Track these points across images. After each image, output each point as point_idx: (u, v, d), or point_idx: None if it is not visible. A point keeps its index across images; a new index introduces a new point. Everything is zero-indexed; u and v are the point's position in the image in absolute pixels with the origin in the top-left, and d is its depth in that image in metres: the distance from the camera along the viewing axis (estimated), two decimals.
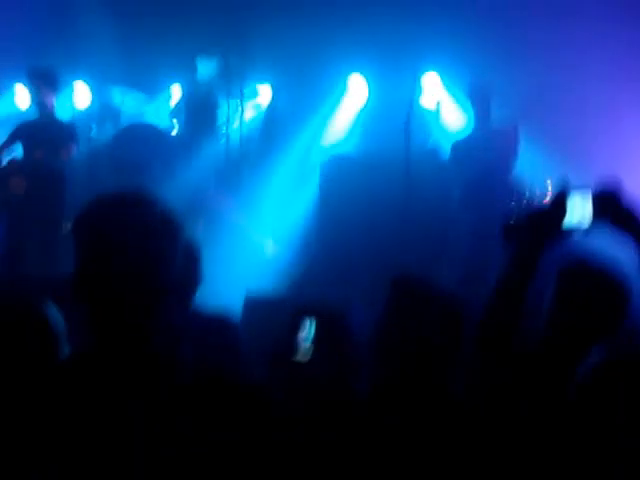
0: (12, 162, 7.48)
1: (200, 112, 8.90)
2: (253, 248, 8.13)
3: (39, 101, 7.55)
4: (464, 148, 7.78)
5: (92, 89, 9.20)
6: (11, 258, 7.47)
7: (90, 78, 9.16)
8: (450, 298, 2.65)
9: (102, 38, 9.09)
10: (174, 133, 9.03)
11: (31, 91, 7.59)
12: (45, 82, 7.50)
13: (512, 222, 2.63)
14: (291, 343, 3.84)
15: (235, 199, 8.70)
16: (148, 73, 9.51)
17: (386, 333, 2.59)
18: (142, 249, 1.91)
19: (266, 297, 6.61)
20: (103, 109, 9.18)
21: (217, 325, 4.07)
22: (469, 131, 7.98)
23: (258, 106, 9.38)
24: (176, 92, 9.50)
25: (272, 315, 5.90)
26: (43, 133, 7.39)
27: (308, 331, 3.81)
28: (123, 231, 1.91)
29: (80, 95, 9.16)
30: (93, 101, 9.24)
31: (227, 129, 8.92)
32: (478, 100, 7.70)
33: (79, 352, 1.98)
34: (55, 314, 3.55)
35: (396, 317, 2.57)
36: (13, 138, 7.53)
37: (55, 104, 7.73)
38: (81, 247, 1.94)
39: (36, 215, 7.42)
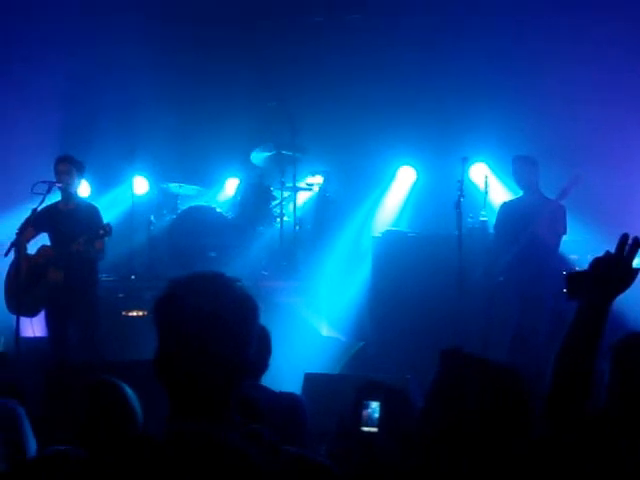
0: (44, 250, 7.49)
1: (255, 200, 9.16)
2: (308, 329, 8.24)
3: (66, 187, 7.41)
4: (512, 206, 7.89)
5: (150, 182, 9.54)
6: (54, 346, 7.54)
7: (149, 171, 9.50)
8: (504, 369, 2.50)
9: (161, 134, 9.47)
10: (230, 218, 9.27)
11: (58, 177, 7.34)
12: (71, 167, 7.40)
13: (577, 271, 2.62)
14: (357, 418, 3.94)
15: (290, 282, 8.87)
16: (203, 165, 9.91)
17: (433, 407, 2.45)
18: (222, 329, 1.95)
19: (324, 375, 6.70)
20: (162, 196, 9.48)
21: (287, 402, 4.21)
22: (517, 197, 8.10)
23: (310, 191, 9.67)
24: (231, 184, 9.84)
25: (330, 391, 6.02)
26: (77, 221, 7.39)
27: (373, 407, 3.92)
28: (203, 312, 1.94)
29: (139, 186, 9.50)
30: (151, 191, 9.57)
31: (282, 213, 9.19)
32: (524, 171, 7.80)
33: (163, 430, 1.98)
34: (132, 395, 3.69)
35: (444, 391, 2.44)
36: (35, 224, 7.37)
37: (78, 190, 7.73)
38: (161, 329, 1.98)
39: (74, 303, 7.47)
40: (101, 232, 7.18)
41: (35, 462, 3.42)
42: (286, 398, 4.33)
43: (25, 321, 7.39)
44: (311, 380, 6.35)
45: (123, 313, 8.61)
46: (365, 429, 3.94)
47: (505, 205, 8.03)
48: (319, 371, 7.08)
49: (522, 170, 7.80)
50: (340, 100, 9.89)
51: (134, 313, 8.62)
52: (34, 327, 8.00)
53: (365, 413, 3.97)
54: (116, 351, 8.03)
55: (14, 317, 7.13)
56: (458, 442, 2.32)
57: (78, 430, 3.58)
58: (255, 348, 2.02)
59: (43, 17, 9.25)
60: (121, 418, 3.56)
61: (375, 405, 3.96)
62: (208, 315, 1.92)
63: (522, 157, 7.88)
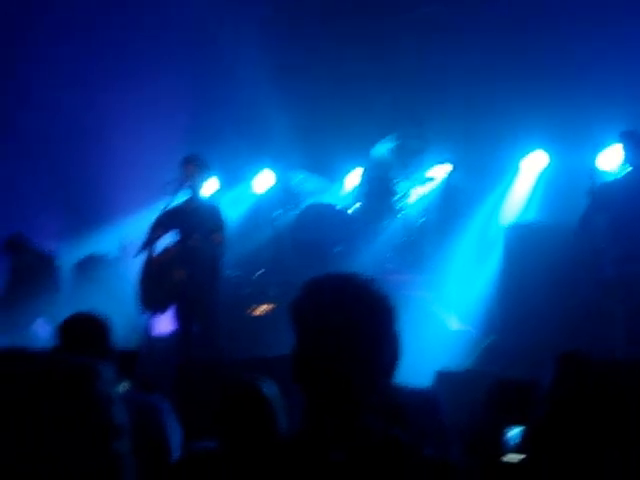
0: (168, 249, 7.56)
1: (379, 193, 9.03)
2: (437, 323, 8.05)
3: (192, 186, 7.47)
4: (612, 185, 7.46)
5: (276, 175, 9.53)
6: (182, 343, 7.60)
7: (274, 165, 9.49)
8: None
9: (285, 128, 9.45)
10: (353, 212, 9.18)
11: (184, 176, 7.43)
12: (196, 166, 7.45)
13: None
14: (488, 428, 3.75)
15: (416, 275, 8.70)
16: (327, 158, 9.83)
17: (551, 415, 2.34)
18: (360, 330, 1.92)
19: (455, 371, 6.52)
20: (285, 193, 9.47)
21: (423, 399, 4.05)
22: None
23: (435, 183, 9.45)
24: (355, 175, 9.74)
25: (462, 388, 5.84)
26: (194, 218, 7.41)
27: (513, 435, 3.71)
28: (342, 312, 1.92)
29: (264, 181, 9.50)
30: (275, 186, 9.55)
31: (405, 206, 9.03)
32: (630, 143, 7.39)
33: (298, 429, 1.97)
34: (275, 392, 3.63)
35: (562, 398, 2.35)
36: (162, 224, 7.52)
37: (203, 189, 7.73)
38: (298, 330, 1.96)
39: (197, 300, 7.50)
40: (210, 225, 7.16)
41: (185, 460, 3.46)
42: (421, 395, 4.17)
43: (156, 319, 7.52)
44: (442, 377, 6.17)
45: (249, 309, 8.64)
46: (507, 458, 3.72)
47: (607, 184, 7.57)
48: (449, 365, 6.91)
49: (629, 145, 7.38)
50: (465, 87, 9.62)
51: (260, 309, 8.64)
52: (165, 324, 8.14)
53: (504, 441, 3.76)
54: (242, 347, 8.08)
55: (144, 314, 7.27)
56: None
57: (214, 426, 3.53)
58: (393, 348, 1.98)
59: (168, 20, 9.36)
60: (261, 417, 3.50)
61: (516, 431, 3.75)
62: (345, 315, 1.91)
63: (628, 132, 7.46)
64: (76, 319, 3.96)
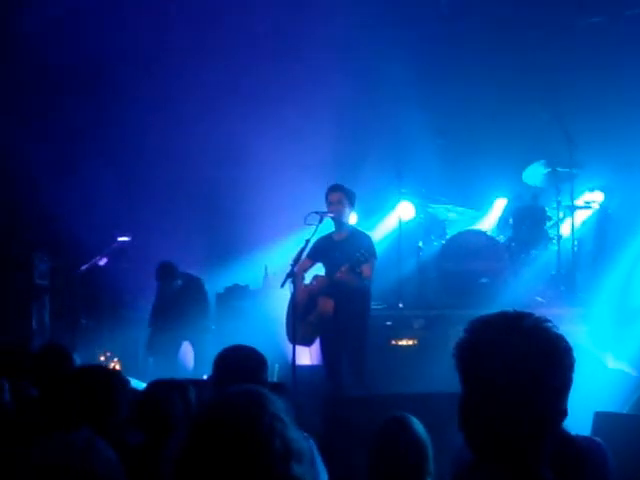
0: (316, 280, 7.49)
1: (528, 222, 8.72)
2: (592, 361, 7.63)
3: (338, 215, 7.36)
4: None
5: (417, 205, 9.35)
6: (329, 376, 7.49)
7: (416, 195, 9.31)
8: None
9: (428, 157, 9.27)
10: (502, 242, 8.88)
11: (330, 205, 7.31)
12: (343, 196, 7.34)
13: None
14: None
15: (569, 308, 8.30)
16: (472, 187, 9.58)
17: None
18: (531, 375, 1.81)
19: (616, 414, 6.12)
20: (429, 222, 9.27)
21: (588, 448, 3.78)
22: None
23: (589, 209, 9.03)
24: (503, 202, 9.44)
25: (623, 433, 5.46)
26: (344, 248, 7.28)
27: None
28: (511, 357, 1.81)
29: (406, 212, 9.34)
30: (418, 216, 9.37)
31: (558, 235, 8.66)
32: None
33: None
34: (425, 433, 3.50)
35: None
36: (310, 254, 7.47)
37: (349, 218, 7.63)
38: (464, 374, 1.87)
39: (344, 333, 7.36)
40: (358, 256, 7.02)
41: None
42: (589, 443, 3.89)
43: (301, 350, 7.45)
44: (602, 419, 5.78)
45: (392, 342, 8.46)
46: None
47: None
48: (606, 407, 6.52)
49: None
50: (619, 106, 9.16)
51: (403, 342, 8.45)
52: (311, 356, 8.07)
53: None
54: (384, 381, 7.91)
55: (289, 346, 7.20)
56: None
57: (369, 465, 3.48)
58: (566, 393, 1.83)
59: (309, 47, 9.38)
60: (415, 458, 3.42)
61: None
62: (516, 360, 1.81)
63: None
64: (234, 352, 3.95)
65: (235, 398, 1.93)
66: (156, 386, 4.54)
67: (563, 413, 1.85)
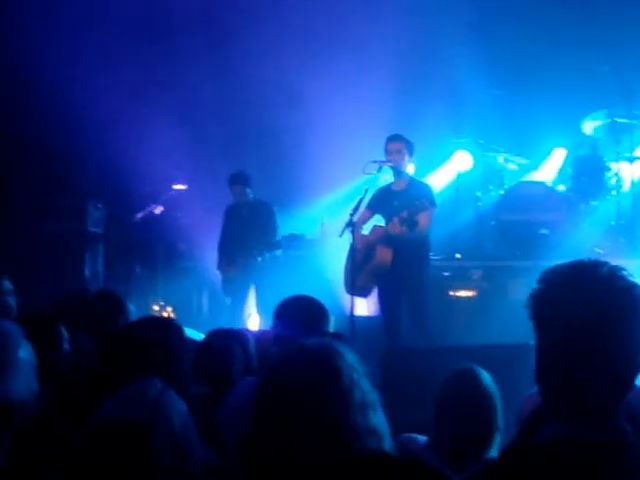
0: (375, 229, 7.42)
1: (589, 172, 8.55)
2: None
3: (397, 165, 7.30)
4: None
5: (475, 155, 9.20)
6: (387, 328, 7.43)
7: (473, 145, 9.16)
8: None
9: (486, 106, 9.10)
10: (561, 192, 8.73)
11: (389, 155, 7.23)
12: (402, 145, 7.27)
13: None
14: None
15: (629, 260, 8.14)
16: (531, 137, 9.39)
17: None
18: (611, 325, 1.77)
19: None
20: (487, 173, 9.13)
21: None
22: None
23: None
24: (559, 154, 9.26)
25: None
26: (404, 199, 7.19)
27: None
28: (593, 305, 1.77)
29: (463, 161, 9.20)
30: (476, 166, 9.22)
31: (617, 186, 8.48)
32: None
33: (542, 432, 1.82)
34: (494, 385, 3.44)
35: None
36: (369, 204, 7.44)
37: (408, 168, 7.57)
38: (543, 325, 1.83)
39: (402, 283, 7.30)
40: (416, 203, 6.92)
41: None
42: None
43: (358, 301, 7.40)
44: None
45: (450, 293, 8.39)
46: None
47: None
48: None
49: None
50: None
51: (461, 293, 8.38)
52: (370, 306, 8.04)
53: None
54: (442, 332, 7.86)
55: (346, 296, 7.17)
56: None
57: (435, 418, 3.41)
58: None
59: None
60: (483, 411, 3.33)
61: None
62: (595, 311, 1.77)
63: None
64: (294, 302, 3.91)
65: (312, 350, 1.93)
66: (216, 336, 4.51)
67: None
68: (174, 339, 3.20)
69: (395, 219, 7.04)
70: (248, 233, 8.36)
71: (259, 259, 8.26)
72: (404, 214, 7.00)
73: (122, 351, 3.17)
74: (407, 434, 3.55)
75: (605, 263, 1.83)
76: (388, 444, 1.96)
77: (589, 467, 1.74)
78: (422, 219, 7.08)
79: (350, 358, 1.92)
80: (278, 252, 8.43)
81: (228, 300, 8.62)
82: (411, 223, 7.03)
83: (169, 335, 3.20)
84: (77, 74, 9.00)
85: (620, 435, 1.77)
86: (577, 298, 1.78)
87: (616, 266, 1.83)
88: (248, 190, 8.44)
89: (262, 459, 1.85)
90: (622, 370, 1.79)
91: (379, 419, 1.93)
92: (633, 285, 1.80)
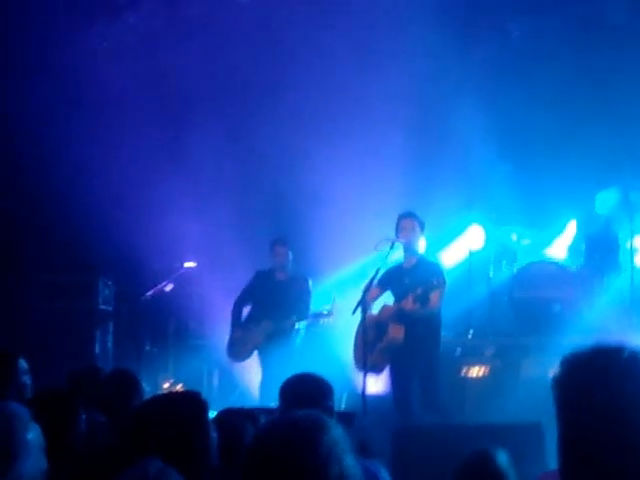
0: (385, 307, 7.41)
1: (601, 246, 8.52)
2: None
3: (408, 242, 7.30)
4: None
5: (487, 230, 9.18)
6: (398, 405, 7.36)
7: (486, 220, 9.16)
8: None
9: (499, 181, 9.12)
10: (575, 269, 8.67)
11: (400, 232, 7.26)
12: (413, 223, 7.31)
13: None
14: None
15: None
16: (543, 211, 9.38)
17: None
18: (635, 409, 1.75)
19: None
20: (499, 250, 9.09)
21: None
22: None
23: None
24: (572, 228, 9.23)
25: None
26: (414, 276, 7.21)
27: None
28: (614, 392, 1.76)
29: (476, 236, 9.18)
30: (489, 242, 9.20)
31: (631, 263, 8.42)
32: None
33: None
34: (509, 466, 3.36)
35: None
36: (380, 282, 7.40)
37: (419, 246, 7.51)
38: (567, 410, 1.82)
39: (414, 360, 7.25)
40: (432, 281, 6.90)
41: None
42: None
43: (370, 378, 7.31)
44: None
45: (462, 370, 8.27)
46: None
47: None
48: None
49: None
50: None
51: (474, 370, 8.26)
52: (382, 384, 7.93)
53: None
54: (454, 410, 7.74)
55: (358, 374, 7.08)
56: None
57: None
58: None
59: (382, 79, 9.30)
60: None
61: None
62: (620, 396, 1.76)
63: None
64: (300, 379, 3.93)
65: (296, 421, 1.91)
66: (227, 415, 4.44)
67: None
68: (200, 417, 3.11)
69: (410, 296, 7.02)
70: (284, 299, 8.20)
71: (297, 326, 8.10)
72: (418, 291, 6.99)
73: (144, 428, 3.09)
74: None
75: (624, 347, 1.82)
76: None
77: None
78: (434, 296, 7.09)
79: (335, 432, 1.89)
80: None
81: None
82: (424, 300, 7.02)
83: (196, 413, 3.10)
84: (93, 151, 9.11)
85: None
86: (601, 385, 1.77)
87: (637, 348, 1.82)
88: (290, 253, 8.39)
89: None
90: None
91: None
92: None
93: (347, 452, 1.88)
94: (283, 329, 8.06)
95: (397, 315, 7.23)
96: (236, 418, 4.32)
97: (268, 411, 5.87)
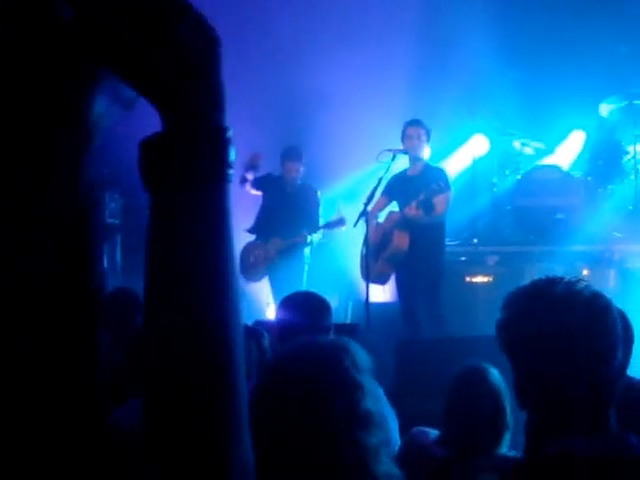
0: (390, 216, 7.41)
1: (606, 155, 8.48)
2: None
3: (414, 151, 7.25)
4: None
5: (491, 139, 9.14)
6: (404, 316, 7.45)
7: (490, 128, 9.10)
8: None
9: (503, 89, 9.00)
10: (578, 177, 8.66)
11: (405, 141, 7.19)
12: (419, 131, 7.25)
13: None
14: None
15: None
16: (547, 120, 9.30)
17: None
18: (583, 341, 1.77)
19: None
20: (504, 157, 9.07)
21: None
22: None
23: None
24: (577, 137, 9.18)
25: None
26: (419, 183, 7.16)
27: None
28: (561, 328, 1.78)
29: (480, 145, 9.15)
30: (492, 151, 9.17)
31: (635, 169, 8.41)
32: None
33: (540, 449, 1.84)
34: (500, 382, 3.45)
35: None
36: (390, 192, 7.42)
37: (425, 154, 7.46)
38: (514, 351, 1.86)
39: (419, 268, 7.24)
40: (434, 186, 6.88)
41: None
42: None
43: (376, 287, 7.40)
44: None
45: (466, 279, 8.37)
46: None
47: None
48: None
49: None
50: None
51: (477, 279, 8.36)
52: (386, 293, 8.02)
53: None
54: (458, 319, 7.85)
55: (363, 283, 7.13)
56: None
57: (445, 414, 3.42)
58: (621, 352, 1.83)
59: None
60: (491, 409, 3.32)
61: None
62: (553, 329, 1.78)
63: None
64: (294, 300, 3.99)
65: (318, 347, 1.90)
66: None
67: (621, 369, 1.82)
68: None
69: (412, 203, 7.02)
70: (293, 213, 8.00)
71: (309, 238, 7.89)
72: (421, 197, 6.98)
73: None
74: (419, 427, 3.58)
75: (561, 279, 1.83)
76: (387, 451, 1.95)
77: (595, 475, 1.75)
78: (439, 203, 7.05)
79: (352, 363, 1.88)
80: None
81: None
82: (428, 206, 7.00)
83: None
84: None
85: (619, 448, 1.77)
86: (536, 320, 1.80)
87: (572, 280, 1.83)
88: (302, 168, 8.13)
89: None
90: (599, 384, 1.80)
91: (378, 437, 1.88)
92: (592, 298, 1.81)
93: (360, 388, 1.87)
94: (294, 244, 7.94)
95: (401, 222, 7.23)
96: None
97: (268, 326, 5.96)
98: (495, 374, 3.42)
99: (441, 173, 7.39)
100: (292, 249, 7.95)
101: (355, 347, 1.94)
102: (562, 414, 1.79)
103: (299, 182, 8.17)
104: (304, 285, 7.68)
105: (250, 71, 8.88)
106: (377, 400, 1.96)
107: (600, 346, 1.78)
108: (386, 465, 1.86)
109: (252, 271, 8.05)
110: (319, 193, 8.26)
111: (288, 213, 7.99)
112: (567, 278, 1.83)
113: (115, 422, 2.72)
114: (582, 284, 1.81)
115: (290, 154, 8.11)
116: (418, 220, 7.08)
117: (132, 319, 4.60)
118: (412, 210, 7.05)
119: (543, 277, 1.87)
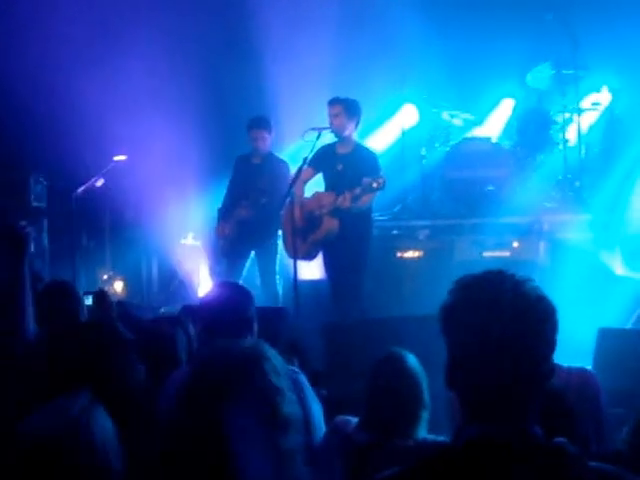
0: (318, 196, 7.30)
1: (534, 126, 8.48)
2: (599, 268, 7.50)
3: (339, 128, 7.11)
4: None
5: (421, 111, 9.08)
6: (333, 296, 7.39)
7: (419, 100, 9.04)
8: None
9: (432, 59, 8.94)
10: (508, 147, 8.67)
11: (331, 118, 7.05)
12: (344, 108, 7.05)
13: None
14: None
15: (576, 215, 8.13)
16: (477, 90, 9.26)
17: None
18: (523, 337, 1.79)
19: (622, 330, 6.03)
20: (431, 130, 9.02)
21: (580, 383, 3.70)
22: None
23: (596, 111, 8.74)
24: (506, 106, 9.17)
25: (628, 349, 5.36)
26: (349, 164, 7.09)
27: None
28: (502, 319, 1.79)
29: (410, 115, 9.09)
30: (421, 123, 9.12)
31: (564, 139, 8.42)
32: None
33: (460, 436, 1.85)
34: (416, 366, 3.47)
35: None
36: (317, 163, 7.23)
37: (352, 131, 7.26)
38: (453, 336, 1.85)
39: (346, 254, 7.17)
40: (374, 185, 6.80)
41: None
42: (581, 377, 3.81)
43: (303, 264, 7.33)
44: (606, 335, 5.68)
45: (398, 254, 8.35)
46: None
47: None
48: (614, 317, 6.45)
49: None
50: (628, 3, 8.75)
51: (408, 254, 8.34)
52: (313, 271, 7.97)
53: None
54: (390, 293, 7.84)
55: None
56: None
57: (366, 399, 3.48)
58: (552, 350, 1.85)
59: None
60: (409, 391, 3.42)
61: None
62: (507, 323, 1.79)
63: None
64: (216, 297, 3.87)
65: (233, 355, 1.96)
66: (160, 322, 4.50)
67: (550, 373, 1.85)
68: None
69: (347, 194, 6.95)
70: (257, 183, 7.79)
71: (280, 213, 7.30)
72: (357, 191, 6.90)
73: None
74: (341, 417, 3.62)
75: (512, 276, 1.83)
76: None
77: (497, 470, 1.76)
78: (365, 198, 6.99)
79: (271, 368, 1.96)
80: None
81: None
82: (357, 198, 6.96)
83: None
84: (25, 50, 8.73)
85: (527, 439, 1.79)
86: (480, 318, 1.80)
87: (520, 279, 1.83)
88: (268, 136, 7.83)
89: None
90: (530, 382, 1.82)
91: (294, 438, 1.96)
92: (537, 300, 1.81)
93: (279, 392, 1.94)
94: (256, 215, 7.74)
95: (333, 211, 7.14)
96: (169, 326, 4.38)
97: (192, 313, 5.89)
98: (411, 358, 3.50)
99: (372, 158, 7.25)
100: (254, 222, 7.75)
101: (272, 352, 2.01)
102: (485, 400, 1.82)
103: (265, 152, 7.90)
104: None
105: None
106: (294, 403, 2.02)
107: (536, 350, 1.81)
108: (299, 470, 1.94)
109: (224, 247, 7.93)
110: (289, 166, 7.82)
111: (250, 184, 7.82)
112: (517, 276, 1.83)
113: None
114: (530, 284, 1.82)
115: (253, 122, 7.85)
116: (350, 210, 7.03)
117: (66, 312, 4.46)
118: (346, 202, 6.97)
119: (495, 270, 1.87)
